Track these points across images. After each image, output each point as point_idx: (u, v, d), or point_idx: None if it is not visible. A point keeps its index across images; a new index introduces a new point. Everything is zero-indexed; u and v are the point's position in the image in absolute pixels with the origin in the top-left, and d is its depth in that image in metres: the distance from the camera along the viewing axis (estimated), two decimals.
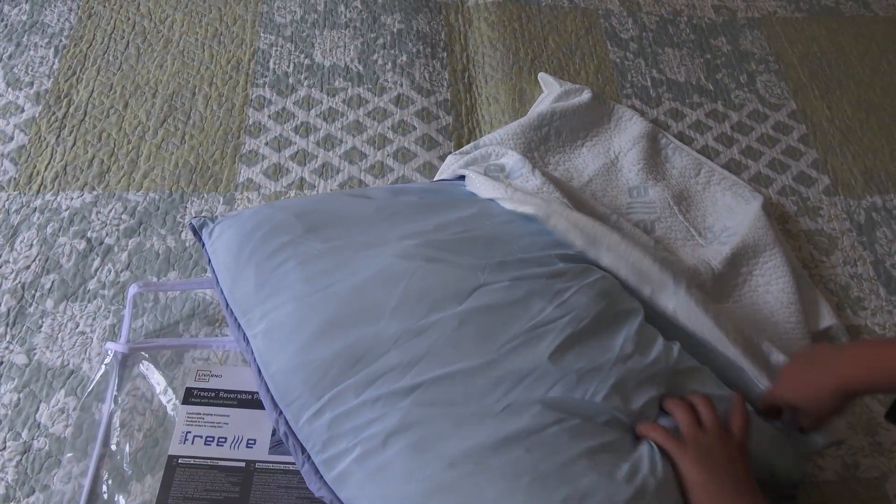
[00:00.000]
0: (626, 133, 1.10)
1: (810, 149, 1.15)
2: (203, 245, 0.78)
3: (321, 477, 0.62)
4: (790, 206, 1.08)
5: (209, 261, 0.77)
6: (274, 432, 0.77)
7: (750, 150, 1.14)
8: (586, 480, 0.57)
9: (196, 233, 0.80)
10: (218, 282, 0.75)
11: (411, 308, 0.67)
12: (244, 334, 0.70)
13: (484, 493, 0.56)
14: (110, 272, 0.89)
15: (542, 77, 1.17)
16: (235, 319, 0.72)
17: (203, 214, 0.91)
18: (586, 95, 1.10)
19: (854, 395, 0.67)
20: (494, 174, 0.91)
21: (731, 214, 1.01)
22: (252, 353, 0.69)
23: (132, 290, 0.82)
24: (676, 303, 0.74)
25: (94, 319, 0.85)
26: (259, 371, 0.68)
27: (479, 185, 0.85)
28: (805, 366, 0.70)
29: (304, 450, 0.64)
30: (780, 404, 0.72)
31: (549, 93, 1.13)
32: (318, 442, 0.63)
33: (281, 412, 0.65)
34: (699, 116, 1.17)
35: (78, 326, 0.84)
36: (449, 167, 0.99)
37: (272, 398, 0.66)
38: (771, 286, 0.92)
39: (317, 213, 0.77)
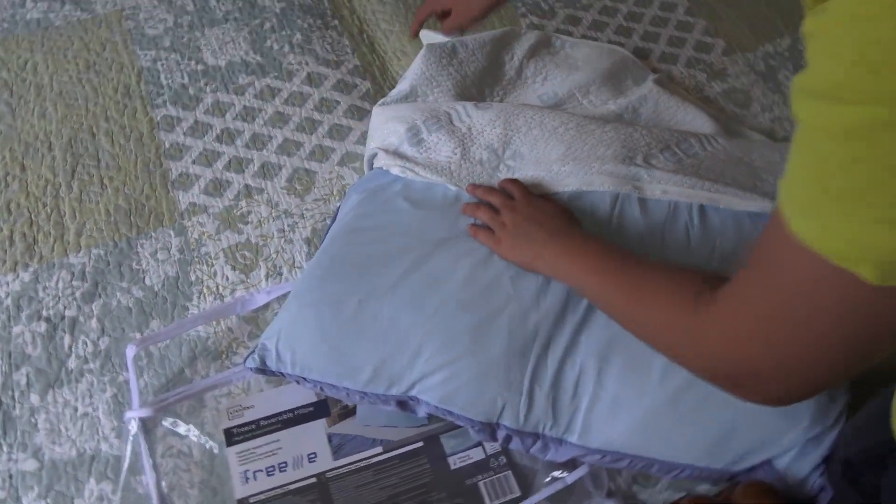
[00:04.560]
0: (523, 44, 1.10)
1: (698, 19, 1.22)
2: (284, 375, 0.72)
3: (568, 442, 0.65)
4: (700, 74, 1.15)
5: (300, 381, 0.72)
6: (330, 438, 0.75)
7: (648, 35, 1.19)
8: None
9: (264, 371, 0.73)
10: (334, 386, 0.70)
11: (519, 273, 0.68)
12: (401, 398, 0.69)
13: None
14: (87, 344, 0.82)
15: (425, 34, 1.11)
16: (381, 395, 0.69)
17: (239, 351, 0.81)
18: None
19: None
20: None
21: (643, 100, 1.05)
22: (427, 405, 0.69)
23: (130, 351, 0.76)
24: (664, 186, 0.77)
25: (91, 397, 0.78)
26: (447, 412, 0.68)
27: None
28: None
29: (536, 435, 0.66)
30: (431, 9, 0.83)
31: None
32: (547, 421, 0.65)
33: (498, 425, 0.66)
34: (594, 16, 1.21)
35: (77, 410, 0.77)
36: (381, 125, 0.93)
37: (481, 422, 0.67)
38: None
39: (344, 259, 0.74)
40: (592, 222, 0.72)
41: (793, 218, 0.34)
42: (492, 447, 0.75)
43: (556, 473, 0.71)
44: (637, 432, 0.63)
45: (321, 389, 0.72)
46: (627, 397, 0.63)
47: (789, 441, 0.60)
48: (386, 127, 0.86)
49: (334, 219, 0.83)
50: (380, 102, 0.97)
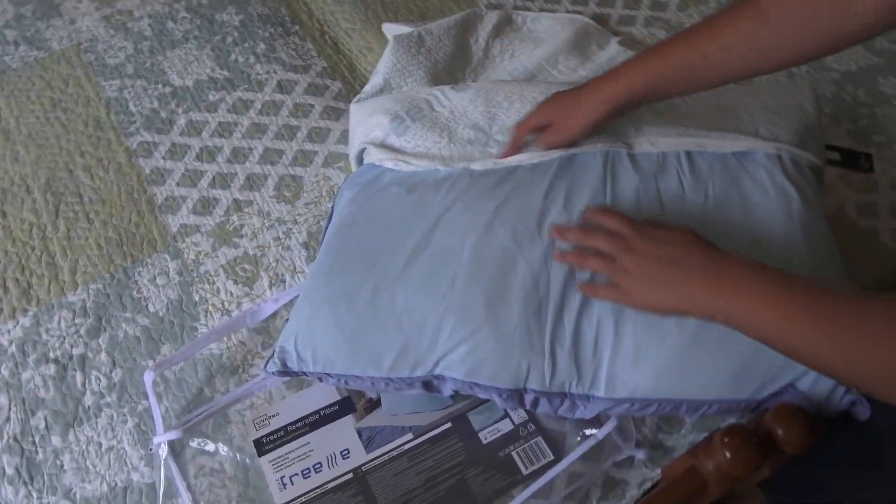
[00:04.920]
0: (486, 25, 1.11)
1: None
2: (307, 374, 0.72)
3: (595, 397, 0.66)
4: (659, 32, 1.17)
5: (323, 378, 0.71)
6: (360, 433, 0.76)
7: (604, 0, 1.21)
8: None
9: (286, 373, 0.72)
10: (359, 377, 0.70)
11: (527, 236, 0.69)
12: (426, 379, 0.69)
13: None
14: (100, 379, 0.81)
15: (387, 27, 1.13)
16: (406, 378, 0.69)
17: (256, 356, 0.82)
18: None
19: (619, 109, 0.70)
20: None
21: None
22: (452, 381, 0.68)
23: (148, 377, 0.76)
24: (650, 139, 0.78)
25: (113, 430, 0.77)
26: (473, 385, 0.68)
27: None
28: (574, 91, 0.73)
29: (564, 395, 0.67)
30: (532, 125, 0.75)
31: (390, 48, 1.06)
32: (572, 378, 0.66)
33: (525, 390, 0.67)
34: None
35: (102, 445, 0.77)
36: (363, 120, 0.92)
37: (508, 390, 0.67)
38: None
39: (348, 252, 0.74)
40: (587, 183, 0.73)
41: None
42: (519, 417, 0.76)
43: (587, 431, 0.72)
44: (662, 376, 0.64)
45: (345, 383, 0.72)
46: (647, 344, 0.65)
47: None
48: (368, 121, 0.86)
49: (330, 218, 0.83)
50: (355, 99, 0.97)
